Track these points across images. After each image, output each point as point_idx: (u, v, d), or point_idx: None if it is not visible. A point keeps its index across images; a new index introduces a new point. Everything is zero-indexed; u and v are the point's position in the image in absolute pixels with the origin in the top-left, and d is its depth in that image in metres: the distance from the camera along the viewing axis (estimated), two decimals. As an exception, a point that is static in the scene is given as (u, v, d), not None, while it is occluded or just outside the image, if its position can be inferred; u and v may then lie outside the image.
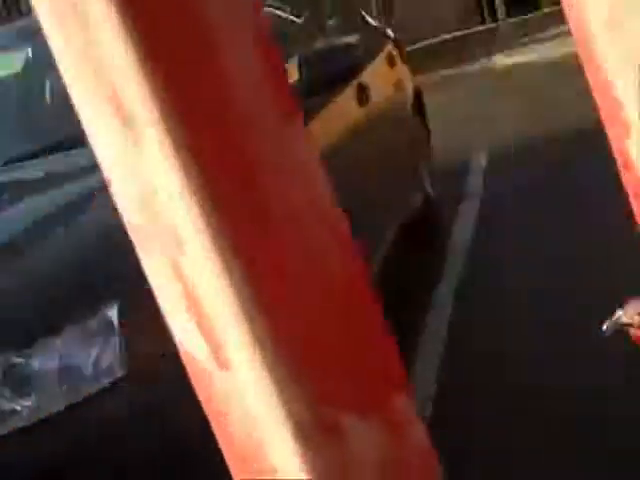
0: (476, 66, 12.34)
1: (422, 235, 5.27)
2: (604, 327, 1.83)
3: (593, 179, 5.47)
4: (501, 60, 12.29)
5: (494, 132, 7.57)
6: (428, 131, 5.93)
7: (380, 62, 4.41)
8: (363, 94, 3.84)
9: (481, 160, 6.72)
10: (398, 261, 4.39)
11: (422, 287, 4.54)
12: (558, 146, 6.42)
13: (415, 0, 16.49)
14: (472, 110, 8.92)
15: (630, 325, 1.82)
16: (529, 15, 17.75)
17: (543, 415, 2.99)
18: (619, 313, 1.85)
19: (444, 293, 4.38)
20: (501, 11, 16.97)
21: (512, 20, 16.61)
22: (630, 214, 0.64)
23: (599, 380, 3.09)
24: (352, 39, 3.66)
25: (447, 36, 16.34)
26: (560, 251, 4.43)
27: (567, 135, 6.55)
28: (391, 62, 4.87)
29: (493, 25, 17.35)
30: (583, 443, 2.81)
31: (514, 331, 3.73)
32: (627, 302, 1.89)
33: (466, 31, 16.92)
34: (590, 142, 5.88)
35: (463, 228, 5.29)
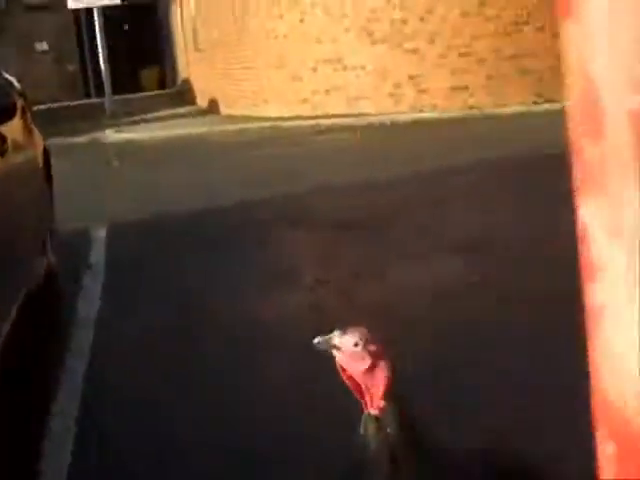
0: (88, 138, 12.30)
1: (46, 308, 5.04)
2: (316, 340, 1.84)
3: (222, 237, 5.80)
4: (112, 135, 12.40)
5: (112, 205, 7.57)
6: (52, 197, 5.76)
7: (16, 115, 4.17)
8: (2, 145, 3.59)
9: (100, 232, 6.66)
10: (21, 339, 4.10)
11: (50, 361, 4.32)
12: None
13: (15, 62, 15.97)
14: (89, 181, 8.83)
15: (338, 349, 1.86)
16: (133, 95, 18.16)
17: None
18: (335, 334, 1.88)
19: (74, 368, 4.21)
20: (107, 87, 17.09)
21: (117, 97, 16.83)
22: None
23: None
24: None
25: (53, 105, 16.02)
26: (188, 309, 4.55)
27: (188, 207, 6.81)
28: (24, 117, 4.64)
29: (99, 100, 17.41)
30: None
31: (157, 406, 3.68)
32: (349, 329, 1.92)
33: (73, 102, 16.74)
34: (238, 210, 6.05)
35: (88, 301, 5.17)
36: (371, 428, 1.74)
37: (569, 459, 2.80)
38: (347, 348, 1.76)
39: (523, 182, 6.89)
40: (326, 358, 1.76)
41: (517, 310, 4.26)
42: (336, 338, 1.78)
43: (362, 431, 1.76)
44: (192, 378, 3.94)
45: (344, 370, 1.78)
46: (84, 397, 3.83)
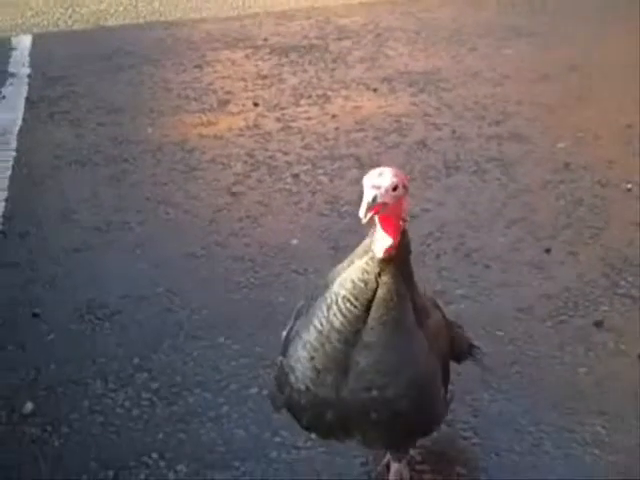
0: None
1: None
2: (362, 213, 1.57)
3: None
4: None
5: (38, 13, 7.10)
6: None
7: None
8: None
9: (24, 41, 6.24)
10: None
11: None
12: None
13: None
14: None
15: (386, 205, 1.58)
16: None
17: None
18: (374, 193, 1.58)
19: None
20: None
21: None
22: None
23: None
24: None
25: None
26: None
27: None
28: None
29: None
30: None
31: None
32: (384, 174, 1.59)
33: None
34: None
35: (9, 110, 4.89)
36: (371, 265, 1.66)
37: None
38: (390, 199, 1.61)
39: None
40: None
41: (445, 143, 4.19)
42: (378, 197, 1.60)
43: (362, 275, 1.67)
44: (122, 192, 3.82)
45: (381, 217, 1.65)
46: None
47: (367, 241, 1.69)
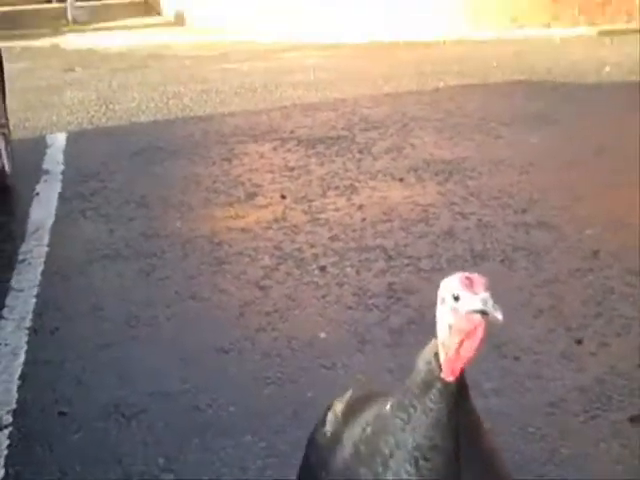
0: (49, 43, 11.88)
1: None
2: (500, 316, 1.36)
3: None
4: (74, 41, 11.99)
5: (72, 111, 7.31)
6: (4, 99, 5.50)
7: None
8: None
9: (58, 139, 6.41)
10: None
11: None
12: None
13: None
14: (49, 87, 8.51)
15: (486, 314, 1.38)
16: (97, 2, 17.53)
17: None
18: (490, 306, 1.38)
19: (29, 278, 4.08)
20: (69, -7, 16.40)
21: (80, 3, 16.18)
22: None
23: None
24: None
25: (9, 8, 15.37)
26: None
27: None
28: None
29: (60, 5, 16.77)
30: None
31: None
32: (472, 286, 1.39)
33: (32, 6, 16.14)
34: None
35: (42, 207, 4.99)
36: (446, 395, 1.45)
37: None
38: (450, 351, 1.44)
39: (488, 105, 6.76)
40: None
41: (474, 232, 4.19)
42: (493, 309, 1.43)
43: (433, 397, 1.45)
44: (151, 287, 3.84)
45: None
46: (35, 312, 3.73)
47: (414, 380, 1.49)
